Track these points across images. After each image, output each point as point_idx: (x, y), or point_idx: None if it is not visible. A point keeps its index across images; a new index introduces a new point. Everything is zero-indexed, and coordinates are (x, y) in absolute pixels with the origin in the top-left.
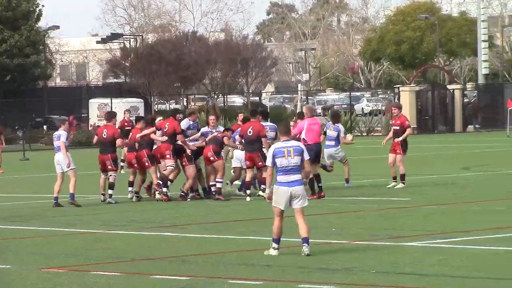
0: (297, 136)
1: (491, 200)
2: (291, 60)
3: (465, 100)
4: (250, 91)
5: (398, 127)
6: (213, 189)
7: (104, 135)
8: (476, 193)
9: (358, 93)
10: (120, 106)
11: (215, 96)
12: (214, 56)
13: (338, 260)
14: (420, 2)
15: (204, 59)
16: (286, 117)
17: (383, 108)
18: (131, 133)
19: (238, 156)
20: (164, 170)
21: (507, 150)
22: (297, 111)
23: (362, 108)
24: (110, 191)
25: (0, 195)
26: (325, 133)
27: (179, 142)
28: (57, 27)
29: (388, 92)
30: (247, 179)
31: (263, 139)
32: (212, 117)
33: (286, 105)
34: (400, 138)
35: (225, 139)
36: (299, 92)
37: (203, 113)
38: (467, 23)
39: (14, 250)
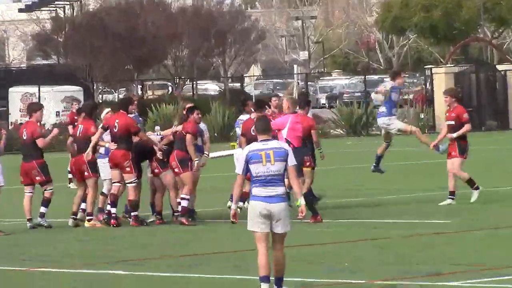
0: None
1: None
2: (283, 33)
3: None
4: (228, 75)
5: (453, 121)
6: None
7: (24, 136)
8: None
9: (375, 77)
10: (52, 96)
11: (181, 82)
12: (179, 28)
13: None
14: None
15: (165, 32)
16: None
17: (411, 96)
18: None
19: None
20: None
21: None
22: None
23: None
24: (42, 209)
25: None
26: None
27: (136, 140)
28: None
29: (417, 74)
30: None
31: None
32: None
33: (279, 94)
34: (455, 135)
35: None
36: (295, 76)
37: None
38: None
39: None
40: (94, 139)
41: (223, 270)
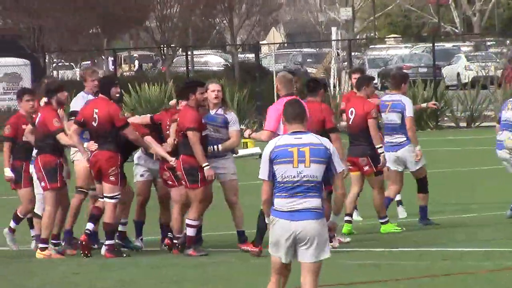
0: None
1: None
2: None
3: None
4: (238, 43)
5: None
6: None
7: None
8: None
9: (448, 45)
10: None
11: (170, 53)
12: None
13: None
14: None
15: None
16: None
17: (498, 73)
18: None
19: None
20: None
21: None
22: (332, 79)
23: (458, 74)
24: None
25: None
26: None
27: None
28: None
29: (507, 42)
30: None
31: (332, 136)
32: (214, 87)
33: (309, 69)
34: None
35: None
36: (333, 43)
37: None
38: None
39: None
40: (68, 141)
41: None
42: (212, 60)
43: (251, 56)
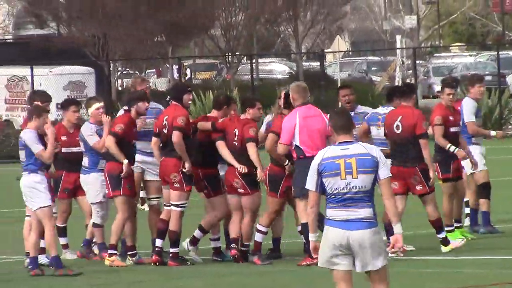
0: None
1: None
2: None
3: None
4: (302, 51)
5: None
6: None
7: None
8: None
9: None
10: (51, 80)
11: (234, 62)
12: None
13: None
14: None
15: None
16: (375, 98)
17: None
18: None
19: None
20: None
21: None
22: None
23: None
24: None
25: None
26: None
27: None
28: None
29: None
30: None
31: (422, 141)
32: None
33: (374, 78)
34: None
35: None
36: (398, 52)
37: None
38: None
39: None
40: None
41: None
42: (277, 68)
43: (315, 64)
